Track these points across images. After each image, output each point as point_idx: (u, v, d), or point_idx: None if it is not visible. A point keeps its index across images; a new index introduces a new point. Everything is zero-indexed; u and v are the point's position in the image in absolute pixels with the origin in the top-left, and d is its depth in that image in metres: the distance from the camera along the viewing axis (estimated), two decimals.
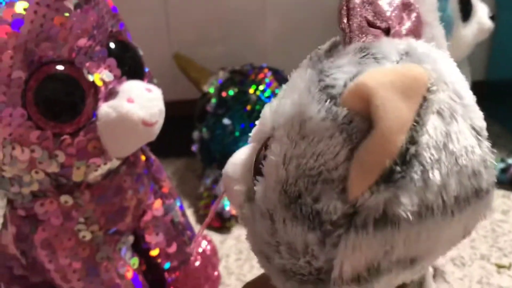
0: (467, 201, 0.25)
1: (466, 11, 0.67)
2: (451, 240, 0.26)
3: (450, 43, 0.29)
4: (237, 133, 0.71)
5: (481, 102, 0.26)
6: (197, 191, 0.74)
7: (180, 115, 0.84)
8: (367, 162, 0.23)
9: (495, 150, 0.25)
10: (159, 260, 0.47)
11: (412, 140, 0.23)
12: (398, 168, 0.23)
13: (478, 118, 0.25)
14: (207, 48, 0.92)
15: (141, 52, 0.43)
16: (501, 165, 0.73)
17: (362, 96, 0.23)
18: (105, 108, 0.37)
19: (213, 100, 0.75)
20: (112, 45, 0.39)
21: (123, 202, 0.43)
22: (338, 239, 0.25)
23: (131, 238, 0.45)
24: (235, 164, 0.31)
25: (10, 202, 0.41)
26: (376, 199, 0.23)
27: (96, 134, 0.37)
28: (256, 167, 0.29)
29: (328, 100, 0.24)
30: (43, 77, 0.35)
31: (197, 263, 0.50)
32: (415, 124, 0.23)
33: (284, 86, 0.29)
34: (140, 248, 0.47)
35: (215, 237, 0.67)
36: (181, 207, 0.51)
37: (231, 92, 0.73)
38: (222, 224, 0.68)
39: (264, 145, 0.28)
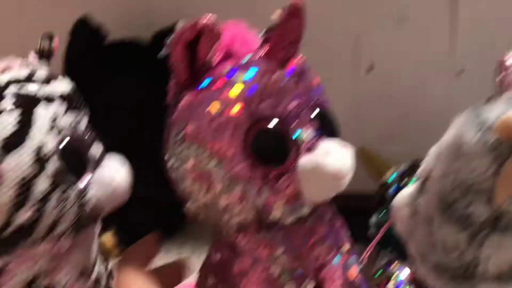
0: None
1: None
2: None
3: None
4: None
5: None
6: (370, 272, 0.76)
7: (356, 207, 0.88)
8: (510, 177, 0.31)
9: None
10: None
11: None
12: None
13: None
14: (392, 147, 0.96)
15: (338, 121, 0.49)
16: None
17: (510, 125, 0.31)
18: (306, 159, 0.43)
19: (395, 185, 0.78)
20: (316, 110, 0.46)
21: (309, 248, 0.47)
22: (483, 239, 0.32)
23: (312, 283, 0.48)
24: (403, 196, 0.42)
25: (216, 233, 0.48)
26: None
27: (295, 179, 0.43)
28: (418, 197, 0.39)
29: (482, 130, 0.32)
30: (259, 130, 0.43)
31: None
32: None
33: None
34: None
35: None
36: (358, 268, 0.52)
37: (411, 182, 0.75)
38: None
39: (426, 178, 0.38)
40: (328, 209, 0.51)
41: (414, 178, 0.74)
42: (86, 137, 0.45)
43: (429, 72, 0.93)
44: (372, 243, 0.49)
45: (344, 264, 0.50)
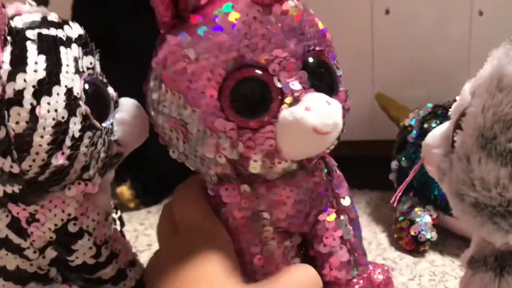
0: None
1: None
2: None
3: None
4: None
5: None
6: (393, 217, 0.77)
7: (376, 154, 0.89)
8: None
9: None
10: (322, 271, 0.47)
11: None
12: None
13: None
14: (409, 91, 0.95)
15: (339, 73, 0.47)
16: None
17: None
18: (285, 112, 0.41)
19: (414, 132, 0.77)
20: (310, 59, 0.43)
21: (295, 204, 0.46)
22: None
23: (298, 239, 0.48)
24: (435, 135, 0.40)
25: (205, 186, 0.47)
26: None
27: (274, 134, 0.41)
28: (455, 133, 0.36)
29: None
30: (240, 78, 0.41)
31: (358, 287, 0.49)
32: None
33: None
34: (307, 255, 0.49)
35: (409, 259, 0.69)
36: (359, 228, 0.51)
37: (433, 125, 0.75)
38: (417, 247, 0.70)
39: (461, 115, 0.33)
40: (322, 164, 0.49)
41: (435, 123, 0.76)
42: (103, 80, 0.45)
43: (448, 15, 0.91)
44: (402, 185, 0.47)
45: (339, 222, 0.48)
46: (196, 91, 0.41)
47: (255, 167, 0.43)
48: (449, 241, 0.73)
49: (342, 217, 0.49)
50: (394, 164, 0.79)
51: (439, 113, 0.77)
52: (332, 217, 0.48)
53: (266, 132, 0.41)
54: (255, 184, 0.45)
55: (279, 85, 0.41)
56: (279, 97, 0.41)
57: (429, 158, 0.40)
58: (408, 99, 0.90)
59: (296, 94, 0.41)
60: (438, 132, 0.40)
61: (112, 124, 0.44)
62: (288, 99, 0.41)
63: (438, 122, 0.75)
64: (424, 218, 0.72)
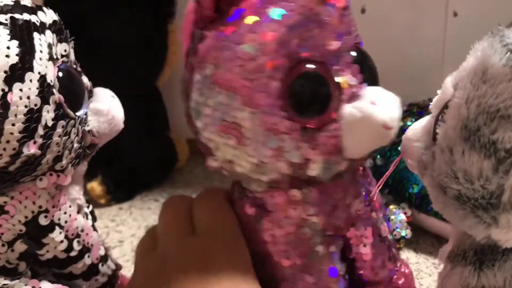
0: None
1: None
2: None
3: None
4: None
5: None
6: None
7: None
8: None
9: None
10: (362, 272, 0.46)
11: None
12: None
13: None
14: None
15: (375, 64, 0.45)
16: None
17: None
18: (350, 108, 0.39)
19: None
20: (354, 53, 0.41)
21: (343, 207, 0.44)
22: (510, 166, 0.30)
23: (341, 244, 0.46)
24: (415, 129, 0.39)
25: (240, 190, 0.44)
26: None
27: (337, 132, 0.39)
28: (435, 129, 0.36)
29: (509, 53, 0.30)
30: (298, 74, 0.38)
31: (401, 282, 0.49)
32: None
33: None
34: (346, 257, 0.47)
35: None
36: (388, 224, 0.51)
37: (409, 123, 0.75)
38: None
39: (443, 108, 0.33)
40: (363, 163, 0.47)
41: (410, 121, 0.76)
42: (77, 69, 0.44)
43: (422, 15, 0.92)
44: (381, 180, 0.46)
45: (374, 222, 0.47)
46: (254, 90, 0.38)
47: (315, 169, 0.40)
48: (423, 238, 0.73)
49: (377, 215, 0.47)
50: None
51: (414, 111, 0.77)
52: (368, 218, 0.46)
53: (331, 131, 0.39)
54: (306, 188, 0.42)
55: (338, 79, 0.39)
56: (337, 92, 0.39)
57: (410, 152, 0.40)
58: None
59: (354, 90, 0.39)
60: (418, 125, 0.40)
61: (86, 113, 0.43)
62: (346, 95, 0.39)
63: (413, 120, 0.75)
64: (398, 216, 0.72)
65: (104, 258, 0.48)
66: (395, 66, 0.93)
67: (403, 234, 0.69)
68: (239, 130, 0.39)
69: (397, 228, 0.69)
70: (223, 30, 0.39)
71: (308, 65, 0.39)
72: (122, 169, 0.88)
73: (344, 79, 0.39)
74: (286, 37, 0.38)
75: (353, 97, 0.39)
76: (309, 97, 0.39)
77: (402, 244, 0.69)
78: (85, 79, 0.44)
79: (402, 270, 0.50)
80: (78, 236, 0.44)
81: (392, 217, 0.71)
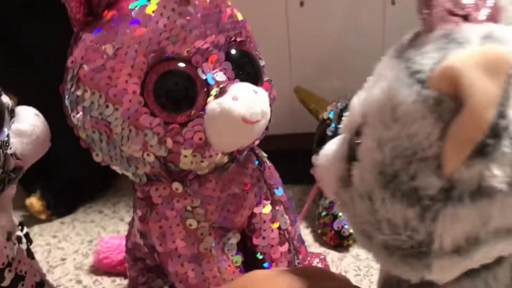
0: None
1: None
2: None
3: None
4: None
5: None
6: (316, 212, 0.76)
7: (298, 148, 0.88)
8: (460, 138, 0.25)
9: None
10: (263, 264, 0.48)
11: (501, 114, 0.25)
12: (489, 142, 0.25)
13: None
14: (326, 82, 0.94)
15: (262, 63, 0.46)
16: None
17: (451, 77, 0.25)
18: (212, 104, 0.40)
19: (333, 125, 0.77)
20: (232, 50, 0.43)
21: (229, 199, 0.46)
22: (436, 213, 0.27)
23: (237, 236, 0.47)
24: (327, 155, 0.34)
25: (133, 188, 0.46)
26: (470, 172, 0.26)
27: (202, 127, 0.41)
28: (350, 154, 0.31)
29: (418, 85, 0.26)
30: (163, 72, 0.40)
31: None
32: (502, 99, 0.25)
33: (370, 77, 0.32)
34: (246, 249, 0.49)
35: (333, 254, 0.68)
36: (294, 219, 0.52)
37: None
38: (341, 242, 0.69)
39: (355, 133, 0.30)
40: (253, 156, 0.48)
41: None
42: None
43: (361, 4, 0.91)
44: (302, 213, 0.45)
45: (275, 213, 0.49)
46: (117, 88, 0.40)
47: (185, 162, 0.42)
48: None
49: (277, 207, 0.49)
50: (315, 159, 0.78)
51: None
52: (267, 209, 0.49)
53: (195, 126, 0.41)
54: (187, 181, 0.44)
55: (203, 77, 0.41)
56: (205, 89, 0.41)
57: (325, 183, 0.35)
58: (326, 91, 0.90)
59: (221, 85, 0.41)
60: (330, 151, 0.35)
61: (8, 136, 0.41)
62: (214, 91, 0.41)
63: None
64: None
65: (41, 285, 0.46)
66: (336, 57, 0.93)
67: (351, 230, 0.68)
68: (108, 127, 0.41)
69: (345, 225, 0.69)
70: (91, 31, 0.41)
71: (173, 63, 0.40)
72: (61, 181, 0.85)
73: (212, 76, 0.41)
74: (148, 35, 0.40)
75: (221, 93, 0.41)
76: (174, 94, 0.41)
77: (351, 241, 0.69)
78: (5, 98, 0.42)
79: (307, 263, 0.52)
80: (9, 265, 0.42)
81: (340, 214, 0.70)
